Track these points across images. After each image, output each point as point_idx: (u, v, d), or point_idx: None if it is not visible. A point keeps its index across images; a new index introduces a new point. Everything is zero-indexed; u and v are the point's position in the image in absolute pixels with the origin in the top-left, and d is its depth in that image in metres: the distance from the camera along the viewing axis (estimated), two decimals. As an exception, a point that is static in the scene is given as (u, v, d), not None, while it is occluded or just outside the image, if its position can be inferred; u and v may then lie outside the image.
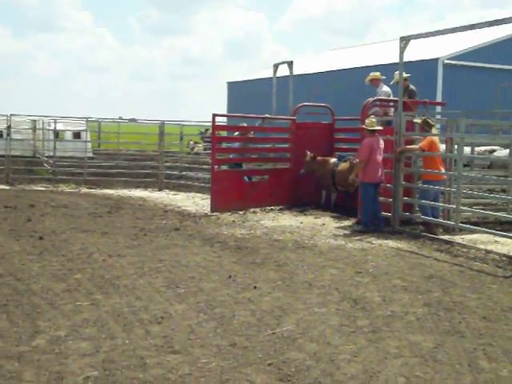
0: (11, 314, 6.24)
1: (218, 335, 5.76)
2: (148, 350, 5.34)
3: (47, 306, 6.50)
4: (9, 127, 19.42)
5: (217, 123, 14.58)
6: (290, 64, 16.53)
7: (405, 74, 12.98)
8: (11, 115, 19.61)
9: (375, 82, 14.07)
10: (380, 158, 11.70)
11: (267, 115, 15.91)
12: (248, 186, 14.91)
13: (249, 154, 15.84)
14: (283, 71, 16.96)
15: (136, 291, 7.12)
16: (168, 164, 20.22)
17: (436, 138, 11.85)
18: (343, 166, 14.10)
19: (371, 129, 11.73)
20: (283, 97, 16.35)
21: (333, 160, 14.57)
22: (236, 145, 15.79)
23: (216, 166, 14.46)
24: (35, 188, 17.78)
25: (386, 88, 13.90)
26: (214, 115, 14.10)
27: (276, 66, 17.16)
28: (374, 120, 11.89)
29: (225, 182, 14.07)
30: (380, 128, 11.88)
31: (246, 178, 15.24)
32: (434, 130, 12.11)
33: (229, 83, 51.78)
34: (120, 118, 34.14)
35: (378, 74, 14.14)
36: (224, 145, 17.32)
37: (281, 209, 14.45)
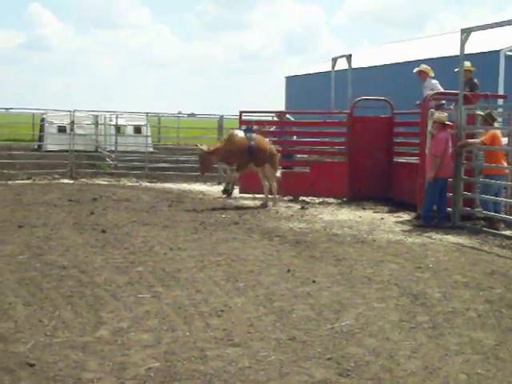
0: (76, 305, 6.40)
1: (277, 329, 5.80)
2: (208, 343, 5.41)
3: (110, 298, 6.64)
4: (72, 123, 19.84)
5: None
6: (349, 58, 16.48)
7: (470, 66, 12.82)
8: (75, 111, 20.03)
9: (422, 75, 13.86)
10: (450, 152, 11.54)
11: (282, 110, 16.25)
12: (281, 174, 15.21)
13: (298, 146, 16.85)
14: (342, 65, 16.90)
15: (196, 284, 7.22)
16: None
17: (498, 132, 11.64)
18: (259, 138, 13.87)
19: (445, 123, 11.53)
20: (342, 90, 16.29)
21: (237, 132, 13.99)
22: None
23: None
24: (97, 182, 18.11)
25: (434, 81, 13.65)
26: (241, 112, 15.74)
27: (334, 60, 17.15)
28: (445, 114, 11.73)
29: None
30: (450, 123, 11.70)
31: None
32: (495, 124, 11.90)
33: (287, 77, 51.74)
34: (179, 113, 34.40)
35: (428, 68, 13.89)
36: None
37: (339, 203, 14.44)
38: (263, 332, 5.70)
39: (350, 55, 16.58)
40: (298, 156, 17.63)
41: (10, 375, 4.70)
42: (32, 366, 4.87)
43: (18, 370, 4.80)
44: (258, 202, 14.18)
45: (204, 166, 13.89)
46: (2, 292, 6.76)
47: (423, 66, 13.93)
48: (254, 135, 13.92)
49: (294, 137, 16.92)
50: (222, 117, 19.92)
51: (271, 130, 17.12)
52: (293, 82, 49.93)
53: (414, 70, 14.02)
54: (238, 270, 7.92)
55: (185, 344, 5.38)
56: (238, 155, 13.53)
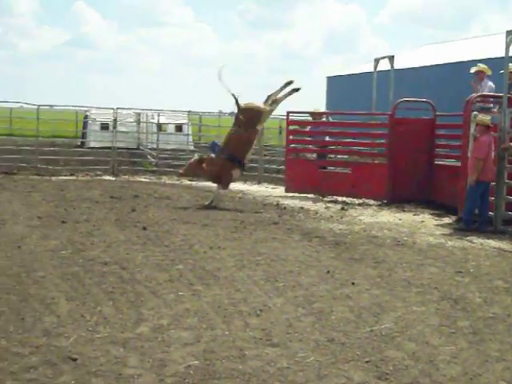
0: (117, 301, 6.48)
1: (316, 330, 5.81)
2: (247, 342, 5.45)
3: (151, 295, 6.72)
4: (115, 120, 20.08)
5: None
6: (391, 59, 16.38)
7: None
8: (117, 108, 20.25)
9: (480, 75, 13.68)
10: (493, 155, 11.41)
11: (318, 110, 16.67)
12: (321, 175, 15.71)
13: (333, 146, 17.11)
14: (384, 65, 16.81)
15: (235, 283, 7.26)
16: (267, 158, 20.38)
17: (543, 136, 11.47)
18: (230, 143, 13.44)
19: (489, 125, 11.40)
20: (384, 91, 16.20)
21: (211, 155, 13.73)
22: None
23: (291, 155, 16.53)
24: (139, 179, 18.32)
25: (490, 83, 13.50)
26: (288, 112, 16.32)
27: (377, 61, 17.05)
28: (489, 117, 11.59)
29: (296, 169, 15.89)
30: (493, 125, 11.57)
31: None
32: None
33: (328, 77, 51.60)
34: (220, 112, 34.55)
35: (486, 67, 13.72)
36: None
37: (379, 204, 14.37)
38: (302, 333, 5.71)
39: (393, 56, 16.48)
40: (339, 156, 17.63)
41: (52, 369, 4.79)
42: (74, 360, 4.95)
43: (61, 363, 4.89)
44: (299, 202, 14.20)
45: (188, 170, 13.77)
46: (45, 287, 6.89)
47: (481, 66, 13.73)
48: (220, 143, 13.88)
49: (327, 137, 16.97)
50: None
51: (307, 129, 17.22)
52: (334, 82, 49.77)
53: (472, 70, 13.83)
54: (277, 270, 7.94)
55: (224, 343, 5.42)
56: (224, 173, 13.31)
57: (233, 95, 13.17)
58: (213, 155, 13.61)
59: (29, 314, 6.00)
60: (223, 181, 13.38)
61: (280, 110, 14.94)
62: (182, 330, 5.71)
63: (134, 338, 5.46)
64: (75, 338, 5.40)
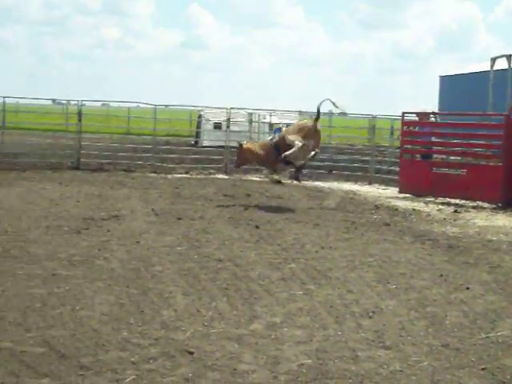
0: (231, 297, 6.64)
1: (429, 334, 5.75)
2: (359, 343, 5.46)
3: (264, 293, 6.83)
4: (228, 120, 20.44)
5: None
6: (509, 57, 15.93)
7: None
8: (230, 108, 20.61)
9: None
10: None
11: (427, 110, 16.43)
12: (435, 176, 15.43)
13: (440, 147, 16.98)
14: (500, 64, 16.36)
15: (347, 284, 7.28)
16: (378, 158, 20.19)
17: None
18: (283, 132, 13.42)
19: None
20: (500, 91, 15.76)
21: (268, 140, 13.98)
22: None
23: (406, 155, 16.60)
24: (250, 178, 18.58)
25: None
26: (403, 113, 16.39)
27: (493, 60, 16.63)
28: None
29: (410, 170, 15.86)
30: None
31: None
32: None
33: (441, 77, 50.43)
34: (330, 112, 34.45)
35: None
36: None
37: (494, 208, 13.96)
38: (415, 336, 5.67)
39: (511, 55, 16.02)
40: (451, 158, 17.29)
41: (170, 361, 4.97)
42: (191, 353, 5.11)
43: (179, 356, 5.06)
44: (410, 203, 14.03)
45: (238, 159, 14.15)
46: (163, 281, 7.15)
47: None
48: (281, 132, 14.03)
49: (433, 138, 16.69)
50: (374, 116, 19.76)
51: (415, 130, 16.99)
52: (447, 82, 48.59)
53: None
54: (389, 272, 7.90)
55: (336, 343, 5.46)
56: (266, 156, 13.43)
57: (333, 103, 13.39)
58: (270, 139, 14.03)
59: (148, 307, 6.26)
60: (267, 164, 13.81)
61: (392, 111, 14.86)
62: (294, 328, 5.79)
63: (248, 335, 5.59)
64: (192, 332, 5.58)
